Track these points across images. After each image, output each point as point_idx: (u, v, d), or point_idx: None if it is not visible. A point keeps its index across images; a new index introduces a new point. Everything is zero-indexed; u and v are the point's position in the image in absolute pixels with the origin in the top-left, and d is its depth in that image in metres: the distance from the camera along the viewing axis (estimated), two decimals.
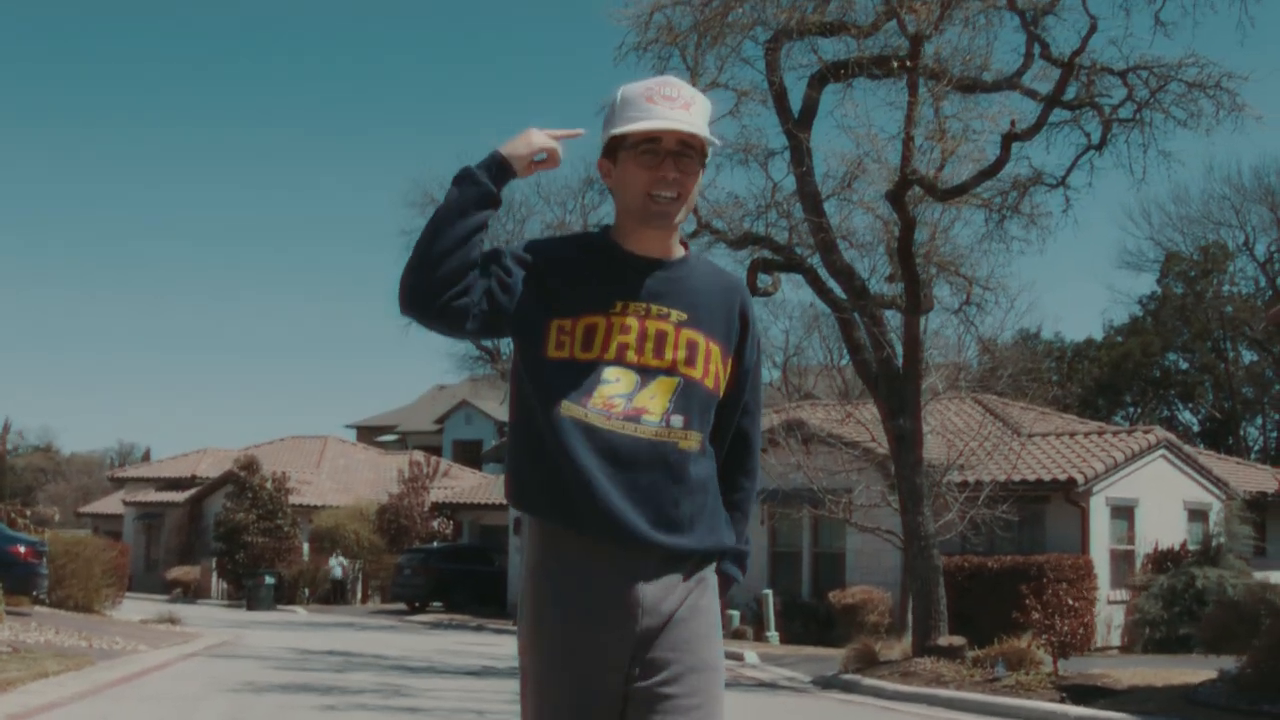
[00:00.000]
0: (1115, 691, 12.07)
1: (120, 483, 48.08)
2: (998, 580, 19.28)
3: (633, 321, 2.58)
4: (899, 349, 16.11)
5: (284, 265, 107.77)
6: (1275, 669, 10.66)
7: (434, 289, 2.52)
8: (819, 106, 15.75)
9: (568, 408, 2.52)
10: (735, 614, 22.63)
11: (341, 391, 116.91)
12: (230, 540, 35.89)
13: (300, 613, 32.42)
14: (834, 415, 23.77)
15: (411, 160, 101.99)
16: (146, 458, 61.81)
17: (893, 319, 16.71)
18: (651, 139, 2.56)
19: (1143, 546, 21.98)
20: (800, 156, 15.50)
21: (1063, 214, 15.94)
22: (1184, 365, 47.21)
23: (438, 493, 37.99)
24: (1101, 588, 20.74)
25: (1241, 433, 46.29)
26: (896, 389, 15.64)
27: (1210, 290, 45.12)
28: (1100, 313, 70.56)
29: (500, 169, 2.61)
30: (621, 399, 2.54)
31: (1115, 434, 24.27)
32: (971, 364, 23.32)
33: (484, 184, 2.59)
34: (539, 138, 2.65)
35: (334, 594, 36.30)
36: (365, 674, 14.04)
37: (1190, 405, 47.67)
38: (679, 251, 2.69)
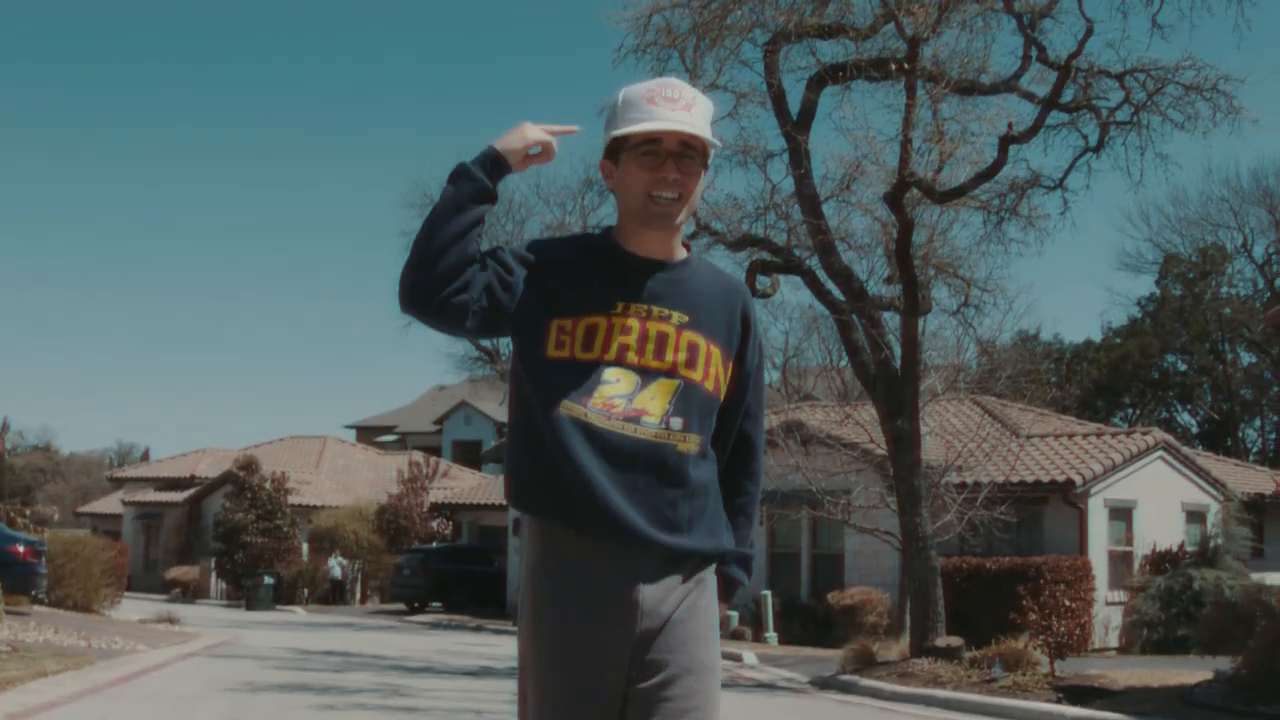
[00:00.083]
0: (1112, 692, 12.10)
1: (119, 482, 48.09)
2: (996, 581, 19.29)
3: (634, 322, 2.58)
4: (897, 351, 16.15)
5: (284, 265, 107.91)
6: (1270, 670, 10.69)
7: (433, 285, 2.52)
8: (817, 109, 15.79)
9: (568, 407, 2.52)
10: (734, 615, 22.65)
11: (341, 392, 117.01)
12: (229, 540, 35.91)
13: (299, 613, 32.43)
14: (833, 416, 23.80)
15: (411, 160, 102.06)
16: (146, 457, 61.77)
17: (891, 321, 16.75)
18: (652, 140, 2.57)
19: (1141, 548, 22.01)
20: (799, 158, 15.53)
21: (1061, 216, 15.98)
22: (1182, 367, 47.25)
23: (437, 493, 38.01)
24: (1099, 589, 20.77)
25: (1240, 434, 46.32)
26: (894, 391, 15.67)
27: (1209, 292, 45.16)
28: (1099, 314, 70.92)
29: (495, 164, 2.62)
30: (622, 400, 2.54)
31: (1114, 435, 24.30)
32: (970, 365, 23.35)
33: (479, 179, 2.60)
34: (533, 131, 2.66)
35: (333, 594, 36.32)
36: (364, 674, 14.07)
37: (1189, 407, 47.71)
38: (681, 253, 2.70)
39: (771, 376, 42.60)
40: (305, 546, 37.54)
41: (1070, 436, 23.82)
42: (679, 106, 2.57)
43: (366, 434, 58.56)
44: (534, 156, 2.68)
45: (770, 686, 15.02)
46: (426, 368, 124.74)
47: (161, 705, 9.87)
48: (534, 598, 2.59)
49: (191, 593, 37.82)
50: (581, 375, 2.55)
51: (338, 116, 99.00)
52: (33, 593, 18.64)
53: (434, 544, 35.83)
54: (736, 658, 17.86)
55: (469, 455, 51.80)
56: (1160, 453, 23.42)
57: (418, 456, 41.07)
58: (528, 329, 2.60)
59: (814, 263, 16.39)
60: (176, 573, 38.94)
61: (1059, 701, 11.70)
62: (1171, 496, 23.28)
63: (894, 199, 15.09)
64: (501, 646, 20.68)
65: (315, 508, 38.64)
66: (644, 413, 2.55)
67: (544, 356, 2.57)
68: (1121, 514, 22.36)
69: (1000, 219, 15.95)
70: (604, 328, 2.57)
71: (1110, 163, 15.60)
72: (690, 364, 2.60)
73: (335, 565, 36.30)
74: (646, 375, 2.57)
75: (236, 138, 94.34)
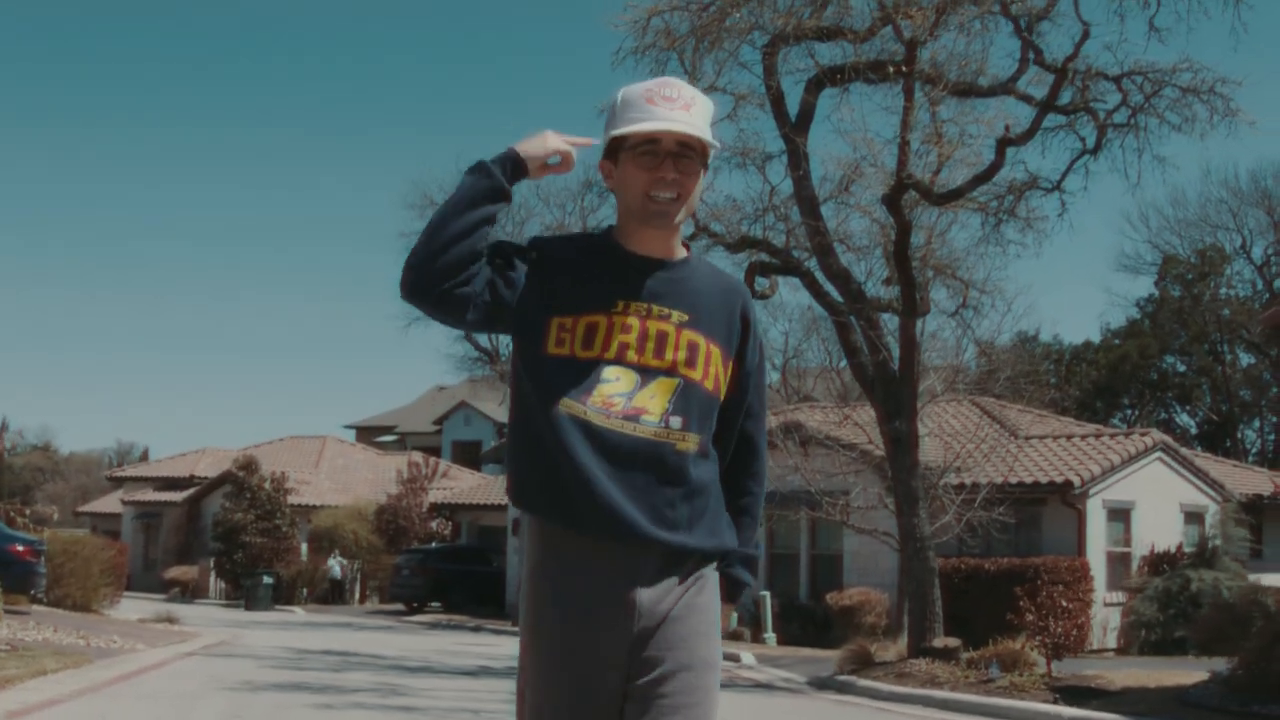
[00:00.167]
0: (1108, 693, 12.13)
1: (119, 482, 48.10)
2: (994, 582, 19.32)
3: (634, 321, 2.59)
4: (896, 352, 16.17)
5: (284, 265, 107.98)
6: (1266, 670, 10.72)
7: (436, 277, 2.53)
8: (816, 111, 15.82)
9: (567, 405, 2.53)
10: (734, 615, 22.60)
11: (341, 392, 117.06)
12: (228, 540, 35.92)
13: (298, 612, 32.44)
14: (832, 417, 23.82)
15: (411, 160, 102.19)
16: (145, 457, 61.78)
17: (889, 322, 16.77)
18: (651, 140, 2.57)
19: (1139, 549, 22.03)
20: (797, 160, 15.56)
21: (1059, 218, 16.04)
22: (1181, 368, 47.28)
23: (436, 493, 38.03)
24: (1098, 590, 20.78)
25: (1239, 435, 46.35)
26: (893, 392, 15.70)
27: (1207, 293, 45.19)
28: (1098, 315, 70.96)
29: (515, 166, 2.64)
30: (621, 398, 2.55)
31: (1112, 436, 24.32)
32: (969, 366, 23.39)
33: (497, 177, 2.61)
34: (554, 140, 2.67)
35: (332, 594, 36.33)
36: (362, 673, 14.09)
37: (1188, 408, 47.74)
38: (681, 253, 2.70)
39: (771, 378, 42.61)
40: (304, 546, 37.56)
41: (1069, 437, 23.83)
42: (678, 106, 2.58)
43: (366, 434, 58.57)
44: (552, 166, 2.69)
45: (768, 687, 15.05)
46: (426, 368, 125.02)
47: (160, 704, 9.90)
48: (534, 598, 2.60)
49: (190, 592, 37.84)
50: (581, 373, 2.55)
51: (338, 116, 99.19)
52: (32, 592, 18.67)
53: (433, 544, 35.85)
54: (735, 658, 17.88)
55: (468, 455, 51.82)
56: (1159, 454, 23.44)
57: (417, 457, 41.09)
58: (528, 326, 2.61)
59: (812, 264, 16.42)
60: (175, 572, 38.96)
61: (1055, 702, 11.73)
62: (1170, 497, 23.30)
63: (892, 201, 15.12)
64: (500, 647, 20.70)
65: (314, 508, 38.66)
66: (643, 411, 2.55)
67: (544, 354, 2.58)
68: (1120, 515, 22.39)
69: (998, 221, 16.00)
70: (604, 326, 2.58)
71: (1108, 165, 15.67)
72: (690, 363, 2.60)
73: (334, 565, 36.32)
74: (646, 374, 2.57)
75: (236, 138, 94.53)
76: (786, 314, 44.91)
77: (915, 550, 15.30)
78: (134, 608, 24.25)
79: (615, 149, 2.63)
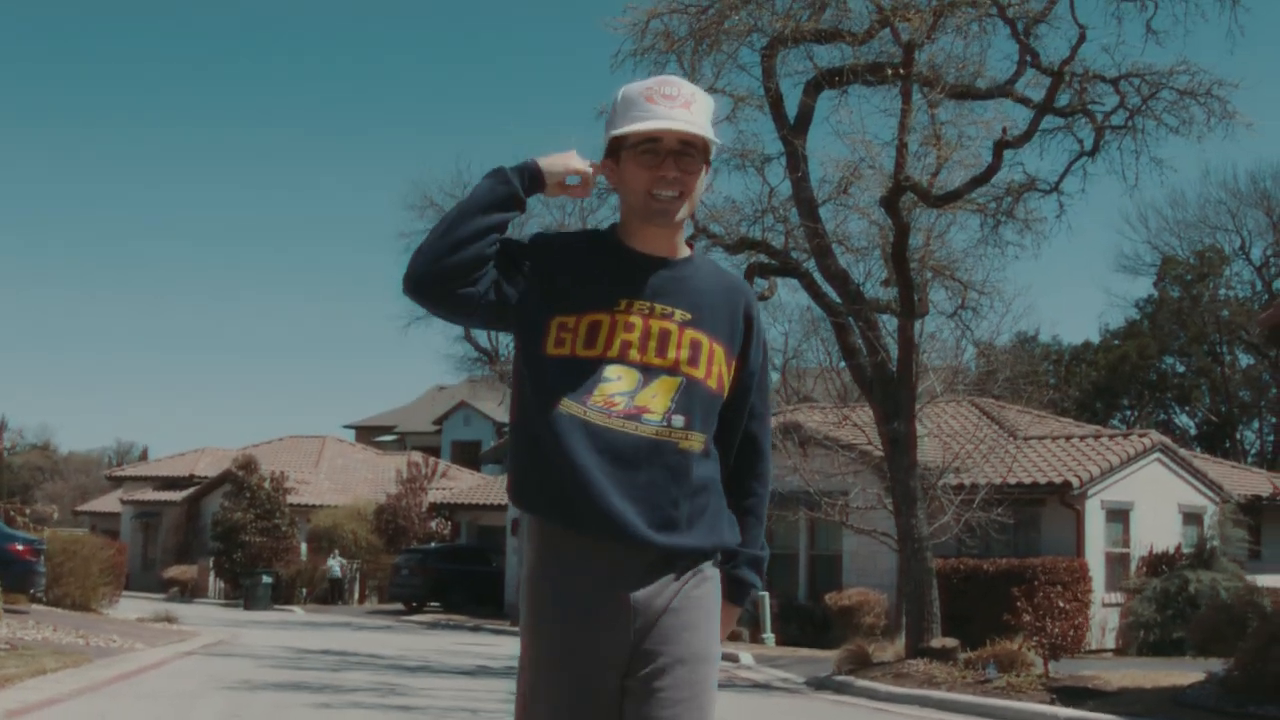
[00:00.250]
0: (1105, 693, 12.17)
1: (118, 481, 48.13)
2: (993, 583, 19.33)
3: (636, 319, 2.58)
4: (894, 353, 16.20)
5: (284, 265, 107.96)
6: (1262, 671, 10.75)
7: (442, 276, 2.54)
8: (814, 113, 15.84)
9: (567, 405, 2.53)
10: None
11: (340, 391, 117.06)
12: (228, 539, 35.95)
13: (297, 612, 32.47)
14: (831, 418, 23.84)
15: (411, 160, 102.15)
16: (144, 457, 61.78)
17: (888, 323, 16.81)
18: (652, 139, 2.57)
19: (1137, 550, 22.05)
20: (796, 162, 15.59)
21: (1057, 219, 16.08)
22: (1180, 369, 47.30)
23: (436, 493, 38.04)
24: (1096, 590, 20.80)
25: (1238, 436, 46.39)
26: (891, 393, 15.74)
27: (1207, 294, 45.22)
28: (1097, 316, 70.93)
29: (533, 178, 2.65)
30: (623, 397, 2.54)
31: (1111, 437, 24.34)
32: (969, 367, 23.41)
33: (514, 185, 2.61)
34: (577, 161, 2.67)
35: (331, 594, 36.35)
36: (361, 673, 14.12)
37: (1187, 409, 47.76)
38: (684, 251, 2.70)
39: (771, 378, 42.57)
40: (304, 546, 37.59)
41: (1068, 438, 23.85)
42: (678, 104, 2.57)
43: (366, 434, 58.59)
44: (570, 186, 2.70)
45: (766, 687, 15.08)
46: (426, 368, 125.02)
47: (159, 703, 9.92)
48: (534, 598, 2.60)
49: (190, 592, 37.86)
50: (582, 373, 2.55)
51: (338, 116, 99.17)
52: (31, 591, 18.69)
53: (432, 544, 35.87)
54: (733, 658, 17.91)
55: (468, 455, 51.83)
56: (1157, 454, 23.47)
57: (416, 457, 41.12)
58: (529, 325, 2.61)
59: (811, 265, 16.45)
60: (175, 572, 38.98)
61: (1052, 702, 11.76)
62: (1168, 498, 23.33)
63: (890, 202, 15.15)
64: (499, 646, 20.73)
65: (314, 507, 38.68)
66: (645, 410, 2.55)
67: (544, 354, 2.58)
68: (1118, 516, 22.41)
69: (997, 222, 16.04)
70: (607, 324, 2.58)
71: (1106, 166, 15.73)
72: (693, 361, 2.59)
73: (334, 565, 36.35)
74: (649, 372, 2.57)
75: (236, 138, 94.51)
76: (786, 315, 44.91)
77: (913, 551, 15.33)
78: (133, 607, 24.27)
79: (616, 148, 2.63)
